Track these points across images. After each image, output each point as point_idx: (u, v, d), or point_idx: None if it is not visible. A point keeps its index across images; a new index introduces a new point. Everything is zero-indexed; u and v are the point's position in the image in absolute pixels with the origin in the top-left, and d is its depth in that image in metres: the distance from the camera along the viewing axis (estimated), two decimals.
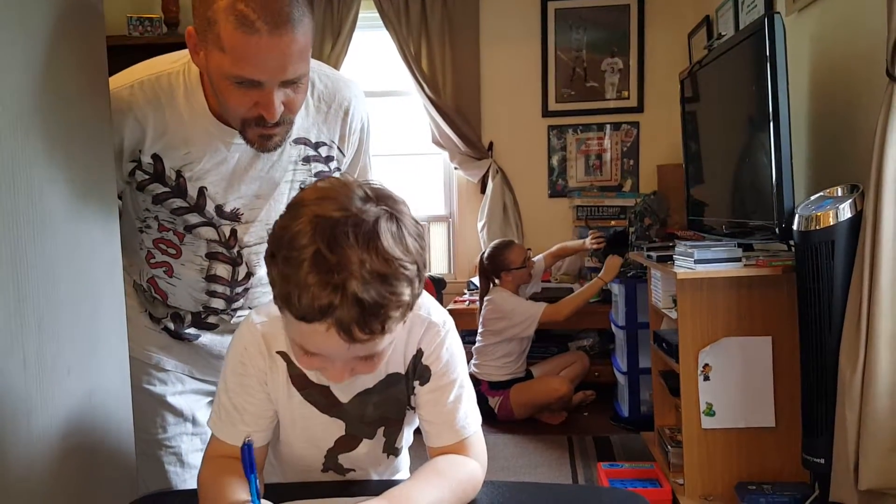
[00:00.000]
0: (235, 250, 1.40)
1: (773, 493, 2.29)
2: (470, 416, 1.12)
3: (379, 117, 4.67)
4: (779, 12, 2.29)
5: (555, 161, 4.52)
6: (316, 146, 1.41)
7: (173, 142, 1.28)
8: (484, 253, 3.80)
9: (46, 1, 1.07)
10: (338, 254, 0.85)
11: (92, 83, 1.17)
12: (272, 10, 1.09)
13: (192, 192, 1.32)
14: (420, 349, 1.10)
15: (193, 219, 1.35)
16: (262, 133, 1.22)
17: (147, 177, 1.30)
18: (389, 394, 1.12)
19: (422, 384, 1.11)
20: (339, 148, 1.44)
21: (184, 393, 1.51)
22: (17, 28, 1.00)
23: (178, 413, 1.50)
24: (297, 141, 1.38)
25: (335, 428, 1.14)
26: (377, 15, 4.32)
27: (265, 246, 1.38)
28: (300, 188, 1.40)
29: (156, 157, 1.29)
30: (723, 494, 2.42)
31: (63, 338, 1.09)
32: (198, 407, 1.52)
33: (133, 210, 1.39)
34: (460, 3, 4.35)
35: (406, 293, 0.90)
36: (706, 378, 2.40)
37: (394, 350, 1.03)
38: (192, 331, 1.47)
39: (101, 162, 1.19)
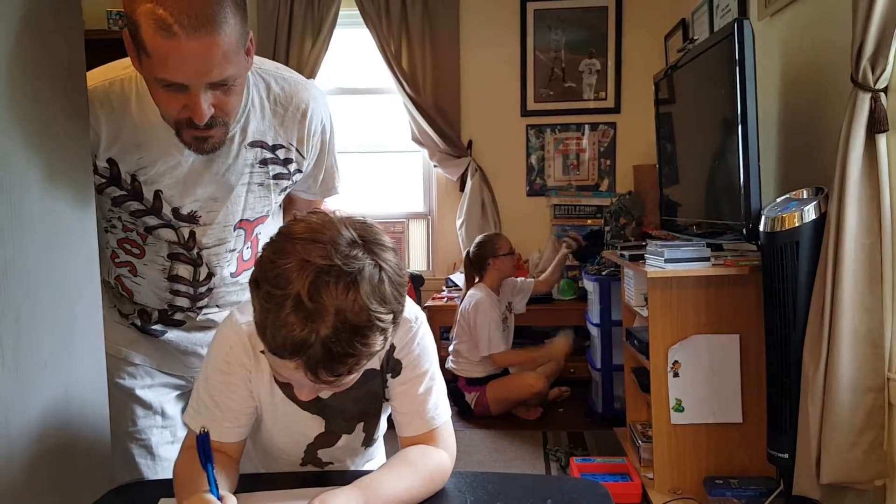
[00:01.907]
0: (195, 252, 1.40)
1: (740, 487, 2.35)
2: (440, 407, 1.16)
3: (359, 115, 4.69)
4: (748, 18, 2.34)
5: (533, 160, 4.56)
6: (273, 149, 1.40)
7: (127, 146, 1.29)
8: (469, 249, 3.86)
9: None
10: (316, 301, 0.89)
11: (70, 79, 1.19)
12: (191, 12, 1.07)
13: (148, 195, 1.33)
14: (392, 344, 1.13)
15: (151, 221, 1.36)
16: (196, 135, 1.22)
17: (104, 180, 1.31)
18: (367, 388, 1.16)
19: (393, 377, 1.15)
20: (297, 150, 1.43)
21: (153, 386, 1.52)
22: None
23: (147, 406, 1.51)
24: (253, 144, 1.37)
25: (315, 424, 1.18)
26: (358, 13, 4.34)
27: (225, 247, 1.40)
28: (258, 190, 1.41)
29: (111, 161, 1.29)
30: (691, 488, 2.47)
31: (40, 331, 1.11)
32: (166, 400, 1.53)
33: (99, 210, 1.39)
34: (440, 3, 4.38)
35: (377, 343, 0.95)
36: (676, 374, 2.45)
37: None
38: (158, 327, 1.48)
39: (79, 158, 1.21)
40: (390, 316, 0.95)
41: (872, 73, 1.81)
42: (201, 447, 0.98)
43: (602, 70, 4.47)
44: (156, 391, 1.52)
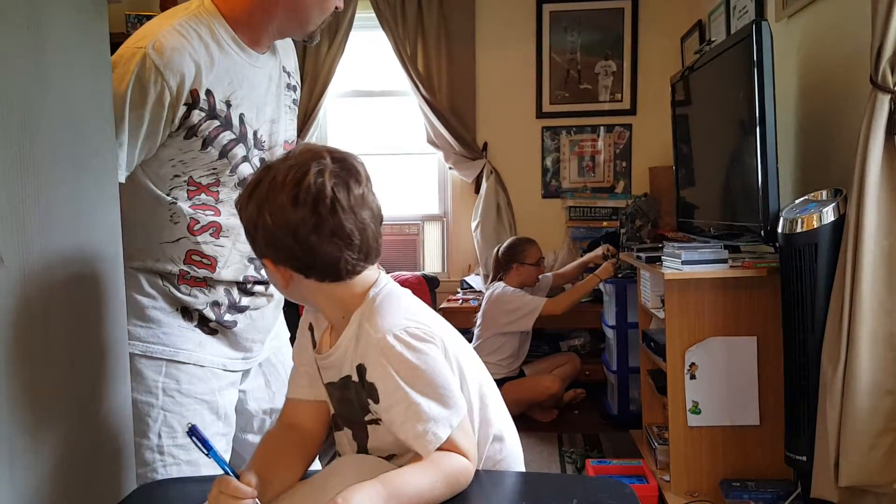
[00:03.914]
0: None
1: (757, 490, 2.34)
2: (437, 425, 1.06)
3: (374, 117, 4.71)
4: (766, 19, 2.34)
5: (548, 162, 4.56)
6: (289, 75, 1.54)
7: (219, 74, 1.36)
8: (501, 245, 3.84)
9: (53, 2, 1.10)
10: None
11: (96, 79, 1.21)
12: None
13: (236, 121, 1.40)
14: (363, 364, 1.09)
15: (239, 152, 1.41)
16: (326, 21, 1.43)
17: (203, 114, 1.35)
18: (346, 394, 1.15)
19: (375, 402, 1.10)
20: (297, 79, 1.58)
21: (221, 390, 1.49)
22: (23, 28, 1.04)
23: (214, 410, 1.48)
24: (283, 69, 1.51)
25: (329, 404, 1.22)
26: (373, 15, 4.36)
27: None
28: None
29: (209, 93, 1.35)
30: (708, 491, 2.46)
31: (68, 330, 1.13)
32: (228, 403, 1.51)
33: (156, 184, 1.38)
34: (456, 5, 4.39)
35: None
36: (692, 377, 2.44)
37: (344, 353, 1.12)
38: (228, 317, 1.47)
39: (105, 156, 1.23)
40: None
41: (892, 74, 1.80)
42: (195, 440, 1.03)
43: (618, 72, 4.46)
44: (222, 394, 1.50)
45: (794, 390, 2.13)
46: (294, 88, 1.57)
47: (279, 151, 1.48)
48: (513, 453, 1.25)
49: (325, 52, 4.38)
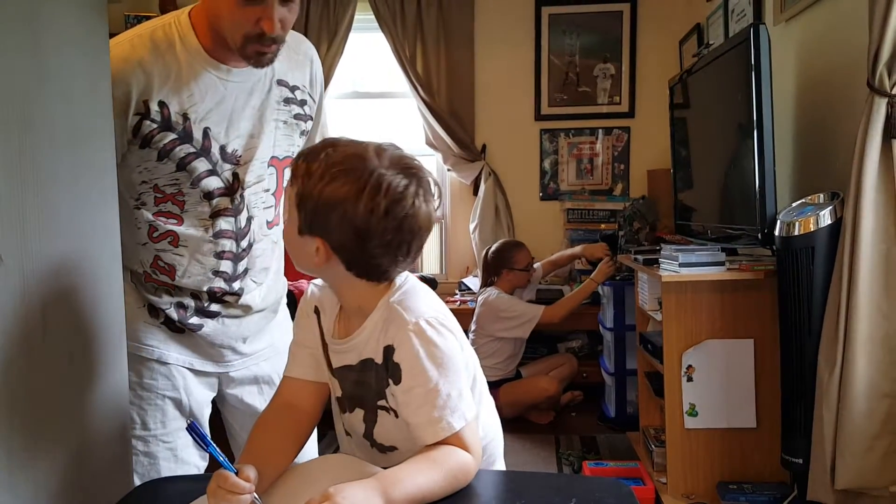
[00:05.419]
0: (239, 194, 1.45)
1: (753, 492, 2.34)
2: (456, 413, 1.09)
3: (373, 118, 4.71)
4: (764, 23, 2.34)
5: (547, 164, 4.57)
6: (293, 89, 1.52)
7: (177, 87, 1.36)
8: (490, 248, 3.84)
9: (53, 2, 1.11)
10: None
11: (96, 80, 1.21)
12: None
13: (198, 134, 1.39)
14: (391, 345, 1.12)
15: (201, 166, 1.40)
16: (259, 49, 1.33)
17: (155, 126, 1.35)
18: (364, 377, 1.17)
19: (395, 383, 1.12)
20: (309, 94, 1.57)
21: (188, 388, 1.51)
22: (23, 27, 1.04)
23: (178, 407, 1.50)
24: (279, 82, 1.49)
25: (335, 386, 1.24)
26: (373, 17, 4.36)
27: (261, 185, 1.48)
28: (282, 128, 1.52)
29: (162, 104, 1.35)
30: (704, 493, 2.47)
31: (66, 327, 1.13)
32: (198, 403, 1.53)
33: (126, 188, 1.40)
34: (455, 7, 4.39)
35: None
36: (689, 379, 2.44)
37: (369, 337, 1.14)
38: (195, 320, 1.48)
39: (103, 156, 1.24)
40: None
41: (889, 77, 1.81)
42: (194, 435, 1.04)
43: (616, 74, 4.47)
44: (190, 393, 1.52)
45: (790, 393, 2.13)
46: (301, 103, 1.54)
47: (258, 166, 1.47)
48: (495, 439, 1.34)
49: (325, 54, 4.38)
